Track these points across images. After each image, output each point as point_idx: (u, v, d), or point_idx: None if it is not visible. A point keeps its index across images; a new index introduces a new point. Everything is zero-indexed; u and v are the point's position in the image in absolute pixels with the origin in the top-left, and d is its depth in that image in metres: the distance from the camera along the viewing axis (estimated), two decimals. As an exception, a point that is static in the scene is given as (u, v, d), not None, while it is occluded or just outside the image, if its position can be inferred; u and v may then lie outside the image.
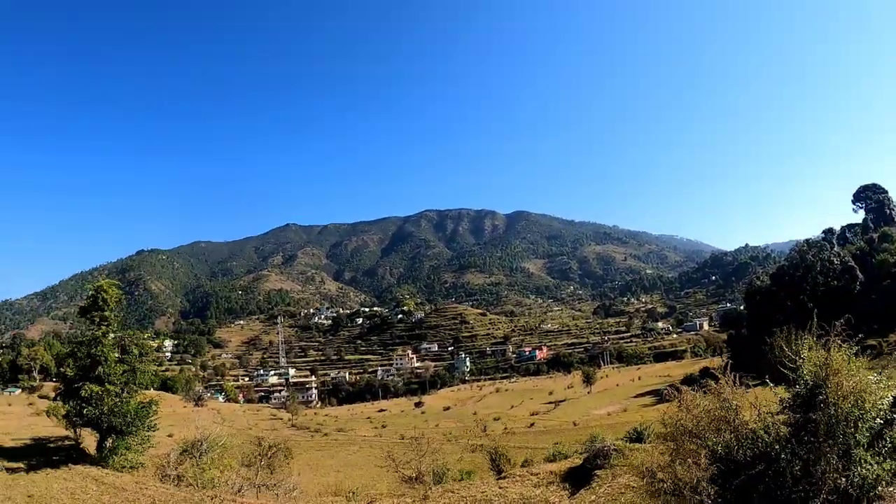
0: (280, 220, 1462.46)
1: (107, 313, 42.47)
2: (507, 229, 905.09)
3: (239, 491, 37.82)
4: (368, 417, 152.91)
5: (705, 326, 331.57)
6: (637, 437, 40.27)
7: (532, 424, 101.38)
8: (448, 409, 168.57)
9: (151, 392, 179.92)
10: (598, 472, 23.39)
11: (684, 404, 14.97)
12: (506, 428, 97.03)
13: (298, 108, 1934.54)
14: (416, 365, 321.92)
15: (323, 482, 51.64)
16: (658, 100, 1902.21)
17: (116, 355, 41.05)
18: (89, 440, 42.40)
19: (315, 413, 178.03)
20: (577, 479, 24.07)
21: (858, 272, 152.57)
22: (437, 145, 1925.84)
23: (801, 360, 14.95)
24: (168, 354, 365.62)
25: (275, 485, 39.47)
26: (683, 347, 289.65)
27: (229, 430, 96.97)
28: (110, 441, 39.93)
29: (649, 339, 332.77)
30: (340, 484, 50.24)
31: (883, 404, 13.12)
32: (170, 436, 55.53)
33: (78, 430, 42.18)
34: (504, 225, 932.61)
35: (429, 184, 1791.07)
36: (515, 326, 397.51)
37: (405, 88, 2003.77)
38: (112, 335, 42.06)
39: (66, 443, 44.65)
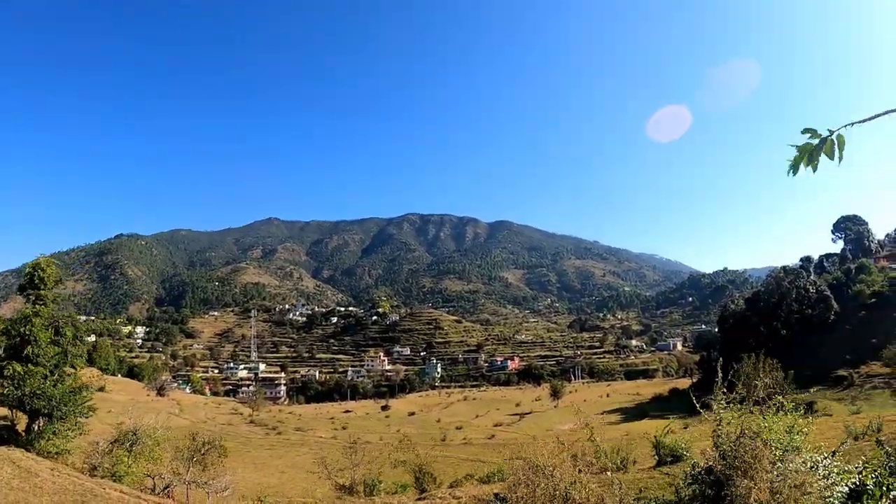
0: (263, 214, 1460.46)
1: (43, 292, 40.87)
2: (488, 238, 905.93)
3: (166, 487, 36.49)
4: (332, 418, 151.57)
5: (679, 346, 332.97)
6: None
7: (492, 436, 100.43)
8: (413, 414, 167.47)
9: (110, 377, 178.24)
10: None
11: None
12: (465, 438, 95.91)
13: (289, 103, 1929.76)
14: (387, 368, 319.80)
15: (264, 483, 50.36)
16: (643, 121, 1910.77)
17: (49, 336, 39.40)
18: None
19: (279, 410, 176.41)
20: None
21: (833, 302, 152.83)
22: (423, 149, 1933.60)
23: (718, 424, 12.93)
24: (139, 341, 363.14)
25: (206, 483, 38.09)
26: (655, 366, 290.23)
27: (184, 423, 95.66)
28: (38, 424, 38.37)
29: (622, 356, 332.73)
30: (281, 486, 49.02)
31: None
32: (120, 423, 53.87)
33: (14, 410, 40.64)
34: (485, 233, 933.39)
35: (414, 187, 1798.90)
36: (490, 335, 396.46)
37: (397, 91, 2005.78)
38: (45, 315, 40.38)
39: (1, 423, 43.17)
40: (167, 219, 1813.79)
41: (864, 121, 4.97)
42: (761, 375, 62.66)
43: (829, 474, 10.63)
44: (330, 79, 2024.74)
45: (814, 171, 5.16)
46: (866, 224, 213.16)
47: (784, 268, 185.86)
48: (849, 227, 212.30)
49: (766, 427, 11.83)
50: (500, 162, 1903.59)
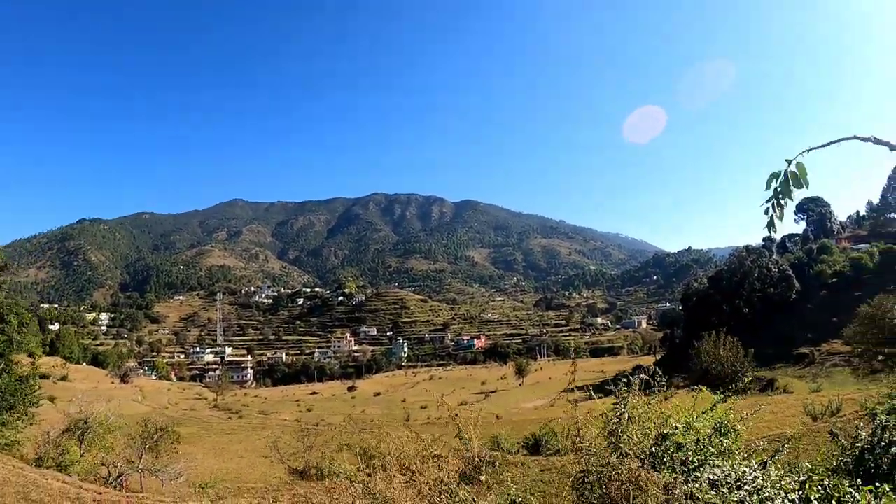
0: (227, 195, 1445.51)
1: (-16, 279, 40.30)
2: (454, 217, 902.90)
3: (119, 476, 36.26)
4: (298, 400, 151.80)
5: (643, 324, 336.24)
6: (534, 444, 38.78)
7: (456, 415, 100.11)
8: (379, 394, 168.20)
9: (74, 365, 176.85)
10: (463, 487, 21.80)
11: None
12: (429, 418, 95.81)
13: (252, 81, 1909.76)
14: (354, 348, 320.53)
15: (222, 468, 50.07)
16: (609, 101, 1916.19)
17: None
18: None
19: (245, 394, 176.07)
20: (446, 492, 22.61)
21: (795, 281, 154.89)
22: (389, 128, 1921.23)
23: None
24: (104, 328, 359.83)
25: (159, 470, 37.92)
26: (620, 344, 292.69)
27: (145, 409, 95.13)
28: (-19, 415, 37.83)
29: (588, 333, 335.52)
30: (240, 471, 48.86)
31: None
32: (80, 412, 53.38)
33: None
34: (451, 213, 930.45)
35: (380, 167, 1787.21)
36: (456, 314, 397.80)
37: (360, 70, 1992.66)
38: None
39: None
40: (130, 202, 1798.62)
41: (818, 147, 5.23)
42: (721, 353, 63.27)
43: (759, 489, 8.12)
44: (292, 58, 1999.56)
45: (790, 200, 5.40)
46: (829, 206, 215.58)
47: (747, 247, 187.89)
48: (811, 209, 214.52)
49: (676, 424, 9.31)
50: (466, 141, 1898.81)
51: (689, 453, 8.53)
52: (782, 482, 8.15)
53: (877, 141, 5.23)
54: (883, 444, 10.93)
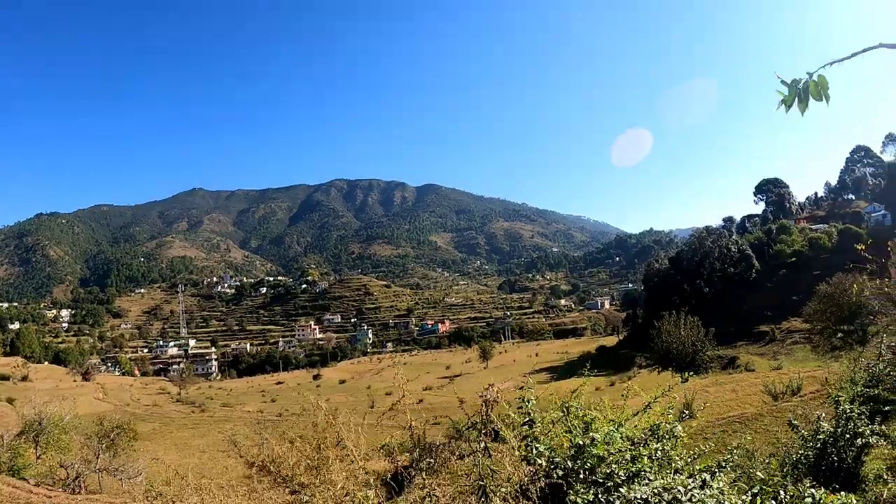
0: (187, 184, 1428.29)
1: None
2: (416, 202, 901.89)
3: (77, 478, 36.58)
4: (262, 391, 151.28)
5: (606, 305, 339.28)
6: (494, 430, 39.94)
7: (421, 401, 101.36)
8: (344, 382, 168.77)
9: (35, 365, 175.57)
10: (417, 477, 22.09)
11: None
12: (393, 405, 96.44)
13: (208, 67, 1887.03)
14: (319, 336, 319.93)
15: (183, 464, 50.43)
16: (568, 86, 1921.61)
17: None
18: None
19: (209, 386, 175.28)
20: (400, 482, 23.11)
21: (755, 260, 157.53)
22: (349, 113, 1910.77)
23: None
24: (65, 325, 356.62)
25: (117, 469, 38.30)
26: (584, 325, 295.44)
27: (107, 407, 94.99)
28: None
29: (551, 315, 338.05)
30: (201, 466, 49.22)
31: None
32: (35, 413, 53.49)
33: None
34: (414, 197, 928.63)
35: (340, 152, 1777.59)
36: (419, 299, 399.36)
37: (319, 54, 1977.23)
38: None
39: None
40: (87, 194, 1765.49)
41: (842, 59, 5.08)
42: (682, 332, 64.58)
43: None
44: (248, 43, 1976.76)
45: (802, 112, 5.15)
46: (787, 187, 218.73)
47: (706, 228, 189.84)
48: (770, 190, 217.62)
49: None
50: (427, 125, 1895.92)
51: (614, 466, 7.02)
52: (729, 498, 6.76)
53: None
54: (847, 435, 11.51)
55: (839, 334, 60.07)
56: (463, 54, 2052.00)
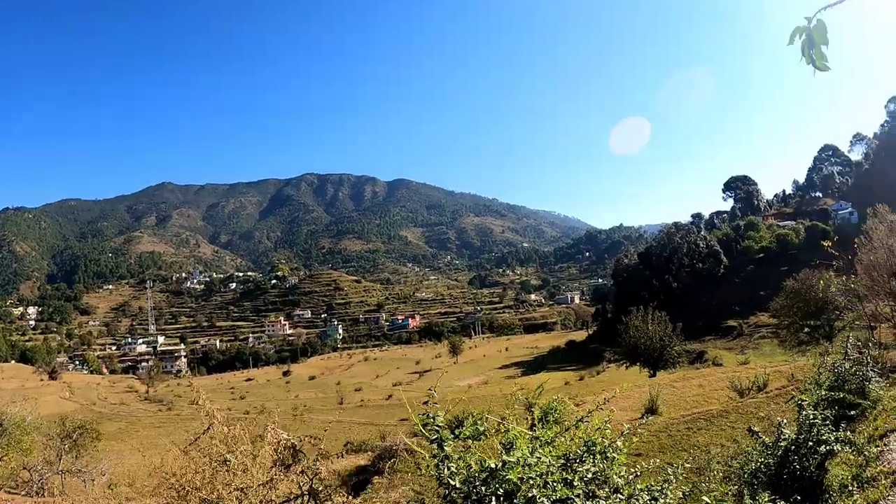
0: (155, 178, 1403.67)
1: None
2: (387, 196, 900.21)
3: (41, 480, 36.07)
4: (232, 388, 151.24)
5: (576, 300, 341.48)
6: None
7: (390, 396, 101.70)
8: (314, 378, 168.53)
9: (1, 364, 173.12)
10: (376, 478, 22.07)
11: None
12: (362, 401, 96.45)
13: (172, 61, 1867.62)
14: (289, 332, 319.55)
15: (147, 465, 49.91)
16: (541, 81, 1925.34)
17: None
18: None
19: (178, 384, 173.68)
20: (361, 482, 22.92)
21: (723, 256, 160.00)
22: (320, 106, 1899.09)
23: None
24: (32, 322, 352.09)
25: (80, 471, 37.82)
26: (554, 320, 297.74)
27: (73, 406, 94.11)
28: None
29: (521, 310, 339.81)
30: (166, 467, 48.65)
31: None
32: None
33: None
34: (384, 192, 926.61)
35: (311, 146, 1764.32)
36: (390, 294, 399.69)
37: (291, 46, 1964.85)
38: None
39: None
40: (54, 189, 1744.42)
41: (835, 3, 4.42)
42: (650, 327, 65.09)
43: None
44: (213, 35, 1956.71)
45: (809, 62, 4.39)
46: (756, 185, 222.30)
47: (675, 224, 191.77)
48: (739, 187, 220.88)
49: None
50: (398, 119, 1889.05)
51: (535, 492, 5.72)
52: None
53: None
54: (810, 443, 11.01)
55: (806, 329, 60.75)
56: (432, 47, 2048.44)
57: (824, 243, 21.21)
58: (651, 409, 27.39)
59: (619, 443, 6.76)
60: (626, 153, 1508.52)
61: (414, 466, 19.79)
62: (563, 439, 6.73)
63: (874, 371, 17.13)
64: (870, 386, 16.31)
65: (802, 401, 12.55)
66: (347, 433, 54.19)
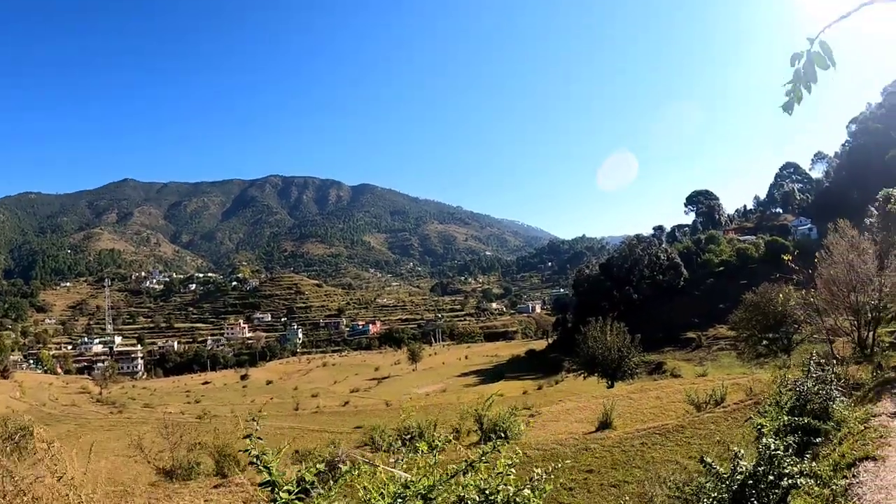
0: (118, 174, 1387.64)
1: None
2: (351, 201, 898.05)
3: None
4: (188, 391, 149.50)
5: (538, 309, 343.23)
6: (410, 437, 38.54)
7: (346, 403, 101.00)
8: (271, 382, 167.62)
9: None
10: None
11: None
12: (318, 407, 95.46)
13: (141, 55, 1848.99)
14: (248, 335, 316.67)
15: (94, 469, 48.74)
16: (505, 91, 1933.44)
17: None
18: None
19: (133, 386, 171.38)
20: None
21: (683, 269, 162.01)
22: (286, 108, 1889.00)
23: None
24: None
25: (15, 478, 36.61)
26: (515, 328, 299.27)
27: (23, 407, 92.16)
28: None
29: (483, 318, 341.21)
30: (114, 471, 47.62)
31: None
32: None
33: None
34: (349, 196, 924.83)
35: (277, 148, 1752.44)
36: (351, 299, 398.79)
37: (259, 46, 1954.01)
38: None
39: None
40: (14, 181, 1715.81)
41: (839, 19, 4.56)
42: (608, 338, 64.96)
43: None
44: (182, 33, 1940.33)
45: (808, 91, 4.74)
46: (717, 199, 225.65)
47: (637, 236, 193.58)
48: (701, 201, 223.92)
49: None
50: (364, 124, 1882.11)
51: None
52: None
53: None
54: (771, 476, 9.92)
55: (764, 342, 61.27)
56: (401, 53, 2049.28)
57: (785, 257, 21.22)
58: (605, 423, 26.75)
59: (526, 491, 5.28)
60: (615, 188, 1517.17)
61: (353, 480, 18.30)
62: (446, 487, 5.25)
63: (838, 389, 16.54)
64: (834, 406, 15.51)
65: (762, 426, 11.88)
66: (299, 440, 53.41)
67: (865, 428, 14.24)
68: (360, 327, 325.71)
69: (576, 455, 20.88)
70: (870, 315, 27.59)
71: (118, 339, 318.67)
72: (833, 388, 16.09)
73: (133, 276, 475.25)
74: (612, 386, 64.61)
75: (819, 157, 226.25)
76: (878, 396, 17.86)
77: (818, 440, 13.92)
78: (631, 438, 22.53)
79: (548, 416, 38.04)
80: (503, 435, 19.66)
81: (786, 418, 13.63)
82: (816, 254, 31.13)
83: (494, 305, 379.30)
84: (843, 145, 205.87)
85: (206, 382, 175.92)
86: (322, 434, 57.37)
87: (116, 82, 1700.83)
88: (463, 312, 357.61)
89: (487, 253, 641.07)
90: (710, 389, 28.88)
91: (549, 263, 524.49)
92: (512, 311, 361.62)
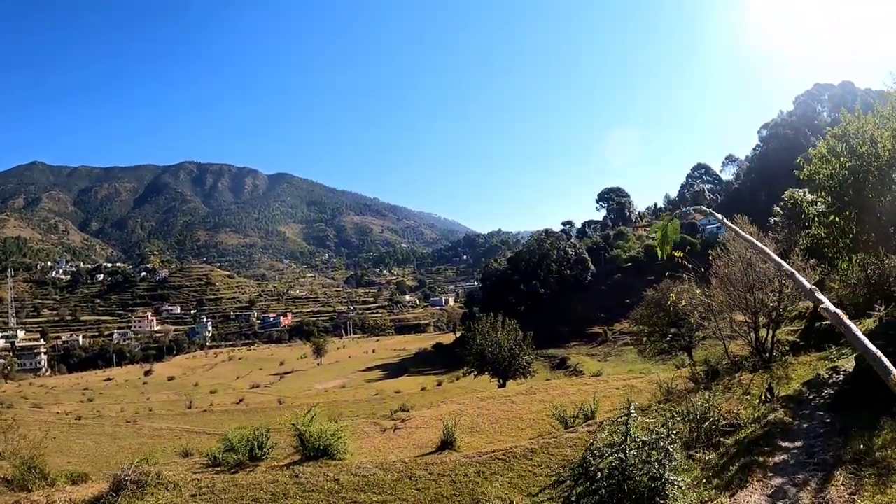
0: (26, 157, 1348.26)
1: None
2: (268, 190, 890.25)
3: None
4: (86, 388, 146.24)
5: (451, 302, 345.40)
6: (251, 449, 36.07)
7: (241, 401, 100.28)
8: (173, 378, 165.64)
9: None
10: None
11: None
12: (211, 405, 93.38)
13: (53, 30, 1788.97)
14: (156, 328, 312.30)
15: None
16: (427, 85, 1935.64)
17: None
18: None
19: (30, 383, 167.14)
20: None
21: (591, 264, 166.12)
22: (203, 92, 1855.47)
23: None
24: None
25: None
26: (427, 321, 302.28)
27: None
28: None
29: (395, 311, 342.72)
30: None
31: None
32: None
33: None
34: (265, 185, 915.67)
35: (192, 133, 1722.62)
36: (263, 291, 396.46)
37: (172, 25, 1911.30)
38: None
39: None
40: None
41: (679, 212, 9.19)
42: (499, 336, 66.22)
43: None
44: (100, 12, 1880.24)
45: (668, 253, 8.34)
46: (629, 196, 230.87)
47: (546, 230, 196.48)
48: (613, 198, 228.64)
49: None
50: (284, 112, 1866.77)
51: None
52: None
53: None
54: None
55: (667, 338, 62.96)
56: (322, 45, 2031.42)
57: (676, 254, 21.39)
58: (447, 443, 23.38)
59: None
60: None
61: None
62: None
63: (678, 453, 11.46)
64: (666, 490, 10.50)
65: None
66: (176, 442, 53.18)
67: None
68: (272, 320, 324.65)
69: (395, 485, 17.94)
70: (771, 315, 27.53)
71: (21, 334, 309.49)
72: (668, 459, 10.91)
73: (38, 266, 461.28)
74: (503, 385, 64.36)
75: (730, 159, 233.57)
76: (743, 479, 12.65)
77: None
78: (468, 465, 20.00)
79: (418, 421, 35.27)
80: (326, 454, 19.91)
81: None
82: (711, 251, 31.62)
83: (408, 298, 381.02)
84: (754, 149, 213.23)
85: (108, 379, 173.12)
86: (201, 436, 57.69)
87: (26, 58, 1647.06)
88: (375, 305, 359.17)
89: (403, 245, 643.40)
90: (582, 401, 27.32)
91: (465, 256, 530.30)
92: (425, 304, 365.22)
